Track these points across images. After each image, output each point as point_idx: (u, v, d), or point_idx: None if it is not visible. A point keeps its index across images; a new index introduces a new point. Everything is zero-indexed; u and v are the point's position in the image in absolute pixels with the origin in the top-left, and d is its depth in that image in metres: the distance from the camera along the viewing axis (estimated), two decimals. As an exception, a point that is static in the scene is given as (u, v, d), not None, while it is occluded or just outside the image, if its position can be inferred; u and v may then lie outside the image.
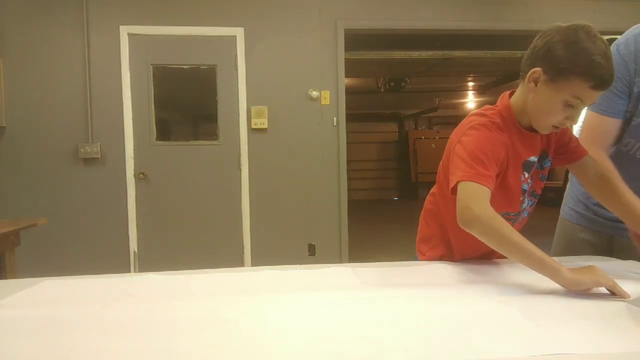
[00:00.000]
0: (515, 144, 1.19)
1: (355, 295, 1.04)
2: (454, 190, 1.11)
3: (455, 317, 0.89)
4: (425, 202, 1.43)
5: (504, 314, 0.90)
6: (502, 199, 1.20)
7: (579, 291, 0.99)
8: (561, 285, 1.00)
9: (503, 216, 1.17)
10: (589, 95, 1.07)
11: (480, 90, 9.03)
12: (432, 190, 1.41)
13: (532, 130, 1.21)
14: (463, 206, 1.07)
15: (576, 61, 1.04)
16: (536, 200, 1.32)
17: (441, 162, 1.32)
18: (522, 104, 1.19)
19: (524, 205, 1.27)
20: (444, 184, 1.27)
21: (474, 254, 1.31)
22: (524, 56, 1.18)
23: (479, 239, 1.06)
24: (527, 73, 1.14)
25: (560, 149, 1.30)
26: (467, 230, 1.07)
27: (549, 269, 1.00)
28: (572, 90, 1.07)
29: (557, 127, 1.15)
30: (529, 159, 1.22)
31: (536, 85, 1.12)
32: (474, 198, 1.06)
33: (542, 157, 1.27)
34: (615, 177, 1.28)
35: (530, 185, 1.25)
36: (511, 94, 1.24)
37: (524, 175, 1.22)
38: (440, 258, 1.35)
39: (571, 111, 1.11)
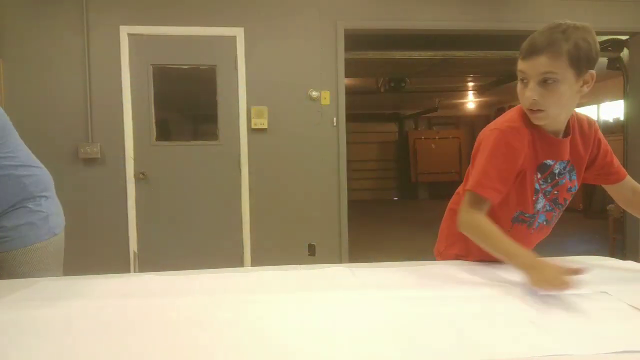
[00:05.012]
0: (536, 143, 1.22)
1: (352, 295, 1.04)
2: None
3: (452, 317, 0.89)
4: (450, 202, 1.46)
5: (502, 314, 0.90)
6: (516, 196, 1.26)
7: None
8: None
9: (518, 216, 1.27)
10: (520, 66, 1.16)
11: (480, 90, 9.03)
12: (458, 189, 1.43)
13: (557, 136, 1.24)
14: (461, 211, 1.23)
15: None
16: (558, 210, 1.32)
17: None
18: None
19: (538, 206, 1.28)
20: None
21: (490, 257, 1.31)
22: None
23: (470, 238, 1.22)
24: None
25: (603, 170, 1.33)
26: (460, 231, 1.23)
27: (515, 264, 1.09)
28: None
29: (531, 110, 1.18)
30: (545, 162, 1.24)
31: None
32: (470, 207, 1.20)
33: (569, 168, 1.28)
34: None
35: (543, 186, 1.26)
36: None
37: (537, 175, 1.24)
38: (456, 257, 1.36)
39: (522, 86, 1.18)
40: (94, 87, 3.86)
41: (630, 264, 1.32)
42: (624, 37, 4.76)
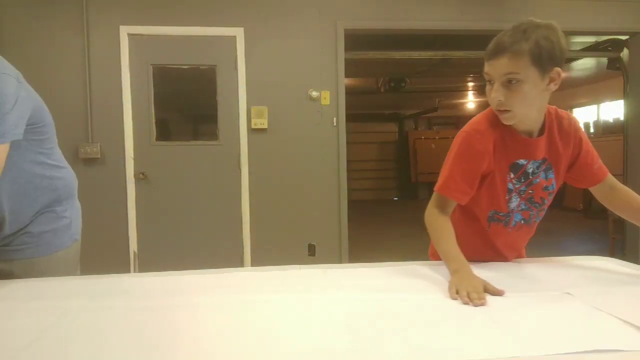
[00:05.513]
0: (507, 143, 1.24)
1: (352, 295, 1.04)
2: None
3: (429, 318, 0.90)
4: None
5: (465, 316, 0.91)
6: (489, 196, 1.28)
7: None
8: None
9: (493, 215, 1.30)
10: (485, 68, 1.18)
11: (480, 90, 9.03)
12: None
13: (532, 135, 1.24)
14: (426, 208, 1.28)
15: None
16: (535, 209, 1.32)
17: None
18: None
19: (512, 205, 1.29)
20: None
21: (477, 258, 1.31)
22: None
23: None
24: None
25: (582, 170, 1.31)
26: None
27: (447, 265, 1.15)
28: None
29: (499, 111, 1.19)
30: (518, 162, 1.25)
31: None
32: (434, 206, 1.26)
33: (545, 167, 1.27)
34: (625, 188, 1.32)
35: (516, 186, 1.27)
36: None
37: (510, 175, 1.26)
38: None
39: (489, 87, 1.19)
40: (94, 87, 3.86)
41: (629, 264, 1.32)
42: (624, 37, 4.76)
